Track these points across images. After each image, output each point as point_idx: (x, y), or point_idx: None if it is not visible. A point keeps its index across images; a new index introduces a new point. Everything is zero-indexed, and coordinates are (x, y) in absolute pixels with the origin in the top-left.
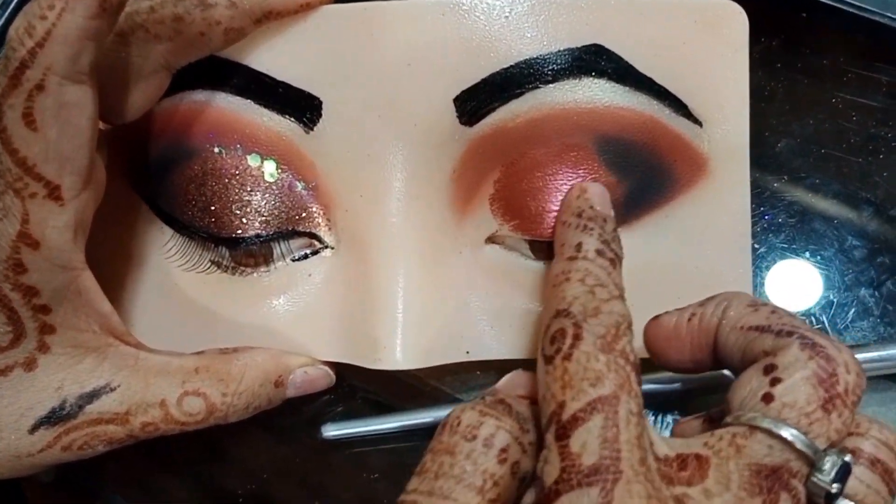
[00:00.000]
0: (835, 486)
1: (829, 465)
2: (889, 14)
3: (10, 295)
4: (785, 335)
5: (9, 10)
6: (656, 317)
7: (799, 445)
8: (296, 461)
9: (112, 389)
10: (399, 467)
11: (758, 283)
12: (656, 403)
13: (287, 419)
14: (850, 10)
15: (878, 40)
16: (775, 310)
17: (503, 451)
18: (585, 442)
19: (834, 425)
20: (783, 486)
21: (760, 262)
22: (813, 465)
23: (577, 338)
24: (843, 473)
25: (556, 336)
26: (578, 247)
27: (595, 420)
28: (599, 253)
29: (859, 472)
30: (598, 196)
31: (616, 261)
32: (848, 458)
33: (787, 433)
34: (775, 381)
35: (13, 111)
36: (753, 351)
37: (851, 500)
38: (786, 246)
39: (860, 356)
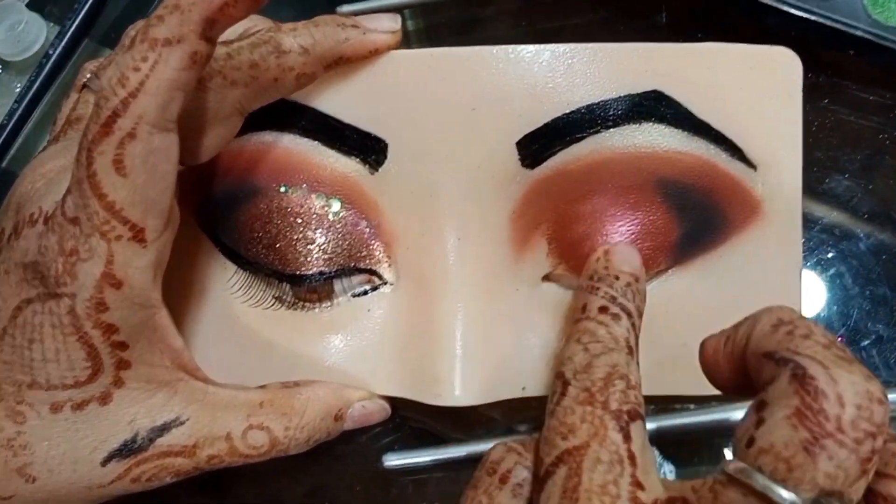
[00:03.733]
0: None
1: None
2: None
3: (91, 332)
4: (782, 363)
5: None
6: (705, 340)
7: (773, 496)
8: (356, 489)
9: (181, 423)
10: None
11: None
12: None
13: (341, 448)
14: None
15: None
16: (792, 330)
17: (518, 485)
18: (550, 495)
19: (823, 469)
20: None
21: (810, 298)
22: None
23: (562, 395)
24: None
25: (550, 397)
26: (584, 308)
27: (560, 472)
28: (602, 310)
29: None
30: (619, 255)
31: (622, 315)
32: None
33: (758, 482)
34: (760, 422)
35: (104, 158)
36: (761, 383)
37: None
38: (835, 281)
39: None
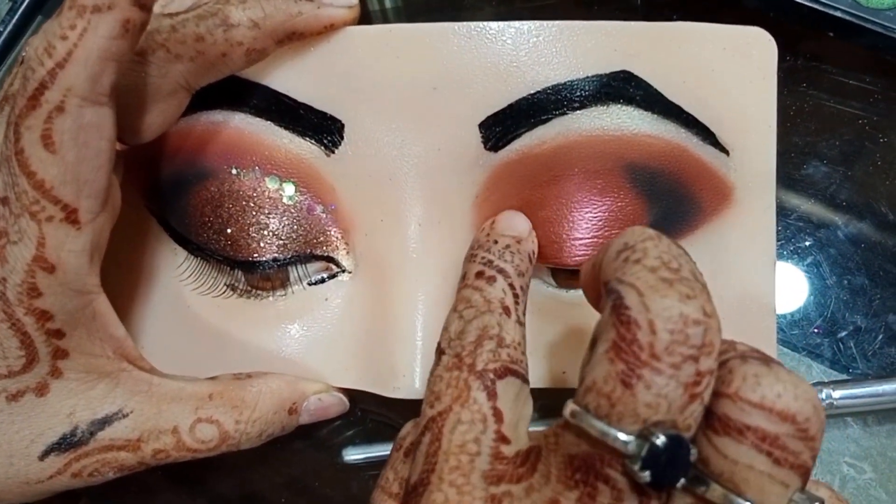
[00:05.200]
0: (645, 473)
1: (633, 449)
2: None
3: (24, 319)
4: (609, 293)
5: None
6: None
7: (598, 434)
8: (315, 485)
9: (124, 416)
10: None
11: (783, 309)
12: None
13: (299, 442)
14: (878, 29)
15: None
16: (629, 255)
17: None
18: (417, 462)
19: (643, 400)
20: (598, 476)
21: (786, 288)
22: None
23: (436, 365)
24: (658, 455)
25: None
26: (463, 276)
27: (425, 439)
28: (478, 275)
29: (724, 444)
30: (502, 222)
31: (497, 276)
32: (660, 439)
33: (584, 422)
34: (589, 361)
35: (31, 133)
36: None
37: (717, 480)
38: (812, 271)
39: (884, 387)
